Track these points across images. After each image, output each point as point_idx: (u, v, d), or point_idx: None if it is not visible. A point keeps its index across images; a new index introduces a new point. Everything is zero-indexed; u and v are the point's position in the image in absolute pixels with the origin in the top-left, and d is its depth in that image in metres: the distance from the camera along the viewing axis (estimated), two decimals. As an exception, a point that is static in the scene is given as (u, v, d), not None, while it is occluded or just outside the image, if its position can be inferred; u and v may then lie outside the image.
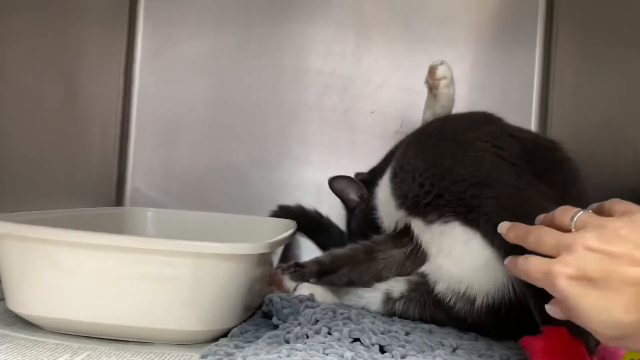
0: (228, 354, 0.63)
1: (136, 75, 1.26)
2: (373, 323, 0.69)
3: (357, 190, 0.94)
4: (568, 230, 0.51)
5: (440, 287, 0.75)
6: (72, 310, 0.67)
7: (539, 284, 0.51)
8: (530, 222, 0.57)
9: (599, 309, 0.45)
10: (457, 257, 0.72)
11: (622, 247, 0.46)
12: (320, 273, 0.82)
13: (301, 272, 0.81)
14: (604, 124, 0.95)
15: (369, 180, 0.92)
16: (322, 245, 1.10)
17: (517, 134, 0.77)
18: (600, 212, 0.53)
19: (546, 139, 0.87)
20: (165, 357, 0.65)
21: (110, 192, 1.22)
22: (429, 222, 0.74)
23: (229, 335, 0.70)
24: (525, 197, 0.67)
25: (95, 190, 1.16)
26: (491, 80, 1.24)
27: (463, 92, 1.18)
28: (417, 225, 0.77)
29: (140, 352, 0.66)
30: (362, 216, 0.90)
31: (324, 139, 1.25)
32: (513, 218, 0.59)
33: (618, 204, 0.52)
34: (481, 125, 0.78)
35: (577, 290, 0.46)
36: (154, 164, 1.24)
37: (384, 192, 0.84)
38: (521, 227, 0.56)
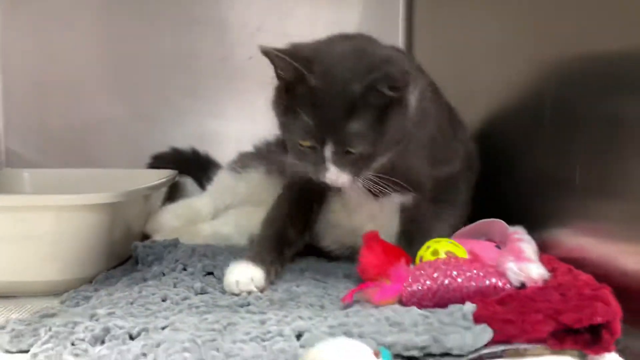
0: (85, 297, 0.67)
1: (-3, 26, 1.20)
2: (228, 259, 0.75)
3: None
4: None
5: None
6: None
7: None
8: None
9: None
10: None
11: None
12: None
13: None
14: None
15: None
16: (202, 184, 1.12)
17: None
18: None
19: None
20: (27, 307, 0.68)
21: (-18, 155, 1.18)
22: None
23: (93, 281, 0.74)
24: None
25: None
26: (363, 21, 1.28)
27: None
28: None
29: (1, 304, 0.69)
30: None
31: (204, 88, 1.26)
32: None
33: None
34: None
35: None
36: (28, 122, 1.21)
37: None
38: None
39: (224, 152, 1.25)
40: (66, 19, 1.22)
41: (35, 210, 0.71)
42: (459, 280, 0.58)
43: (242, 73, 1.27)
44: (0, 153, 1.20)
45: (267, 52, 0.66)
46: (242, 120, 1.26)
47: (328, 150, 0.66)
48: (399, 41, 1.26)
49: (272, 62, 0.68)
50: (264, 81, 1.30)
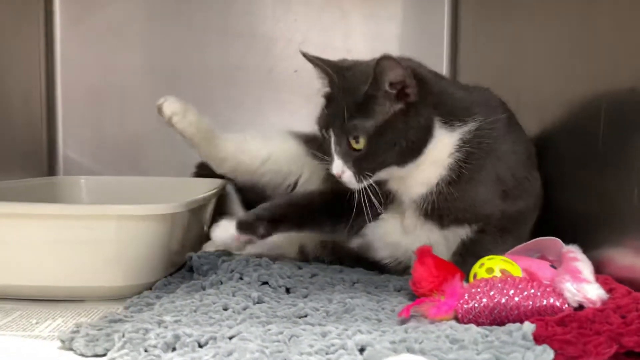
0: (148, 304, 0.70)
1: (57, 41, 1.26)
2: (281, 268, 0.78)
3: None
4: None
5: None
6: (4, 275, 0.74)
7: None
8: None
9: None
10: None
11: None
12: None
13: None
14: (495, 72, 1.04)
15: None
16: (248, 201, 1.15)
17: None
18: None
19: None
20: (93, 312, 0.72)
21: (42, 162, 1.24)
22: None
23: (153, 288, 0.78)
24: None
25: (25, 161, 1.19)
26: (405, 33, 1.30)
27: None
28: None
29: (68, 308, 0.73)
30: None
31: (249, 99, 1.30)
32: None
33: None
34: None
35: None
36: (85, 132, 1.27)
37: None
38: None
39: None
40: (120, 32, 1.28)
41: (99, 219, 0.75)
42: (516, 299, 0.59)
43: (287, 85, 1.30)
44: (59, 161, 1.26)
45: (305, 55, 0.78)
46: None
47: (333, 140, 0.74)
48: (443, 55, 1.28)
49: (314, 66, 0.78)
50: (308, 93, 1.35)
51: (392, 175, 0.76)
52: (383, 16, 1.28)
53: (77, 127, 1.27)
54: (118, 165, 1.26)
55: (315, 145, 1.01)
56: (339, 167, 0.74)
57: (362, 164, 0.73)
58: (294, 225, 0.85)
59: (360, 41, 1.30)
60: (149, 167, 1.27)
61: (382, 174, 0.74)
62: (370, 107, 0.72)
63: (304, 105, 1.30)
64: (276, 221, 0.83)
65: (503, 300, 0.59)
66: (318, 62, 0.76)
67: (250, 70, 1.29)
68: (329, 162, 0.76)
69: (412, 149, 0.73)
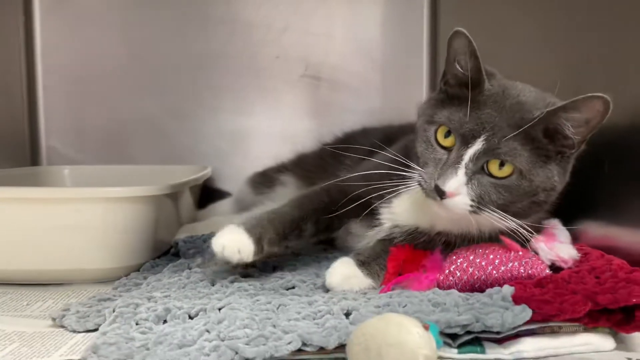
0: (137, 284, 0.71)
1: (37, 31, 1.24)
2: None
3: None
4: None
5: None
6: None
7: None
8: None
9: None
10: None
11: None
12: None
13: None
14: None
15: None
16: None
17: None
18: None
19: None
20: (83, 294, 0.73)
21: (24, 152, 1.23)
22: None
23: (141, 269, 0.79)
24: None
25: (7, 152, 1.18)
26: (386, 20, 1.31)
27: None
28: None
29: (58, 291, 0.73)
30: None
31: (232, 86, 1.30)
32: None
33: None
34: None
35: None
36: (67, 121, 1.26)
37: None
38: None
39: (253, 147, 1.30)
40: (101, 20, 1.27)
41: (86, 202, 0.75)
42: (495, 274, 0.60)
43: (269, 72, 1.30)
44: (42, 151, 1.25)
45: (470, 49, 0.63)
46: (270, 116, 1.30)
47: (461, 153, 0.61)
48: (423, 40, 1.29)
49: (469, 58, 0.63)
50: (291, 79, 1.36)
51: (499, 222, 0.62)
52: (364, 2, 1.29)
53: (59, 116, 1.26)
54: (102, 154, 1.25)
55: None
56: (456, 185, 0.60)
57: (491, 194, 0.61)
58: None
59: (341, 26, 1.30)
60: (132, 156, 1.26)
61: (497, 216, 0.61)
62: (540, 138, 0.61)
63: (287, 90, 1.31)
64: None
65: (483, 277, 0.61)
66: (477, 61, 0.63)
67: (232, 57, 1.29)
68: (416, 171, 0.64)
69: (547, 202, 0.63)
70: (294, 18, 1.30)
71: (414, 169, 0.65)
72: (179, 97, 1.29)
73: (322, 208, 0.74)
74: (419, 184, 0.64)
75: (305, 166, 1.00)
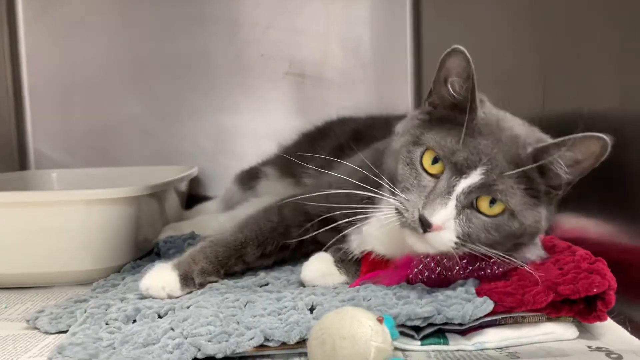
0: (114, 285, 0.72)
1: (21, 36, 1.25)
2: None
3: None
4: None
5: None
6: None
7: None
8: None
9: None
10: None
11: None
12: None
13: None
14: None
15: None
16: None
17: None
18: None
19: None
20: (62, 296, 0.74)
21: (12, 157, 1.24)
22: None
23: (122, 270, 0.80)
24: None
25: (-5, 157, 1.19)
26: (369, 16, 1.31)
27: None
28: None
29: (38, 293, 0.75)
30: None
31: (217, 86, 1.30)
32: None
33: None
34: None
35: None
36: (54, 125, 1.27)
37: None
38: None
39: (239, 145, 1.31)
40: (85, 23, 1.28)
41: (67, 204, 0.76)
42: (462, 274, 0.60)
43: (254, 70, 1.31)
44: (30, 155, 1.26)
45: (469, 71, 0.57)
46: (256, 115, 1.31)
47: (452, 182, 0.56)
48: (407, 34, 1.29)
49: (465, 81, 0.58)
50: (275, 77, 1.37)
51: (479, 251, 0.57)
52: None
53: (47, 120, 1.27)
54: (89, 157, 1.26)
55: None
56: (444, 218, 0.55)
57: (479, 233, 0.56)
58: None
59: (324, 24, 1.31)
60: (120, 158, 1.27)
61: (479, 250, 0.57)
62: (534, 177, 0.57)
63: (271, 88, 1.31)
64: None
65: (450, 276, 0.61)
66: (474, 85, 0.58)
67: (216, 56, 1.29)
68: (394, 197, 0.58)
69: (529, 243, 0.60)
70: (278, 16, 1.30)
71: (384, 188, 0.59)
72: (164, 98, 1.30)
73: (270, 229, 0.71)
74: (397, 211, 0.57)
75: (284, 157, 1.00)
